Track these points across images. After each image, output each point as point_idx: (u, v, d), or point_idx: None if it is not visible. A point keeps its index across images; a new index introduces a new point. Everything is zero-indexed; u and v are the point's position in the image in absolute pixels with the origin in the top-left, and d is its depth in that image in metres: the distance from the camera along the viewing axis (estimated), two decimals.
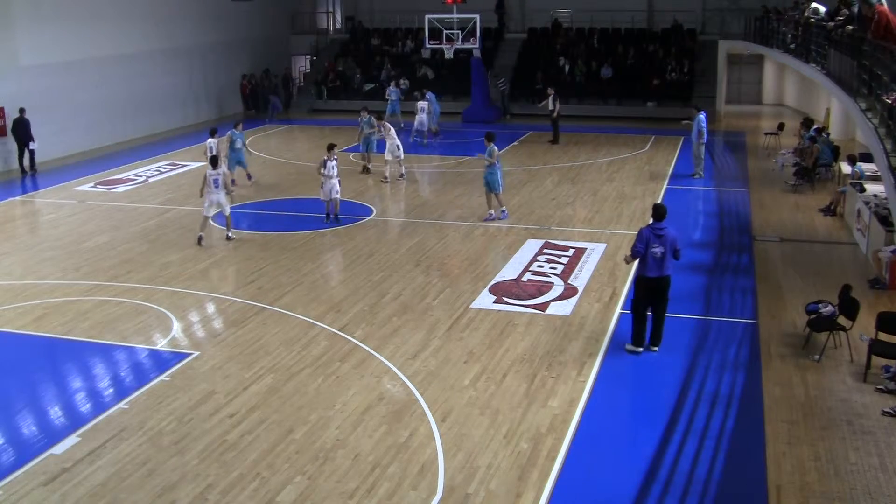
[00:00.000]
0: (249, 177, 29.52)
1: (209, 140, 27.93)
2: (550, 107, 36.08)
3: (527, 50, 46.93)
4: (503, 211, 24.23)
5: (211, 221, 23.26)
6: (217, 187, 22.41)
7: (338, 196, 24.19)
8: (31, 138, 31.66)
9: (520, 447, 12.36)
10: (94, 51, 36.33)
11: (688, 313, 17.46)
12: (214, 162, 22.84)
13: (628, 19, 46.76)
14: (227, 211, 22.77)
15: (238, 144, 28.45)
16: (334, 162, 24.07)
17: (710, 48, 43.87)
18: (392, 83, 40.98)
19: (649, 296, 15.33)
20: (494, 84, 44.26)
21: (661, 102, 42.59)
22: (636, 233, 15.33)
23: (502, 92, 43.80)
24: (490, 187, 23.91)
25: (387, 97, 39.81)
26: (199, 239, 22.45)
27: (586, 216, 24.57)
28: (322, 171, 23.96)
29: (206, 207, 22.55)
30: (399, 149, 29.61)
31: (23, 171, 31.96)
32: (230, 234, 22.85)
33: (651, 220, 15.39)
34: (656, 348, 15.59)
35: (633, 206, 25.57)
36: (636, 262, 15.63)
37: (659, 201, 15.72)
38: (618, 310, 17.55)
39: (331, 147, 24.46)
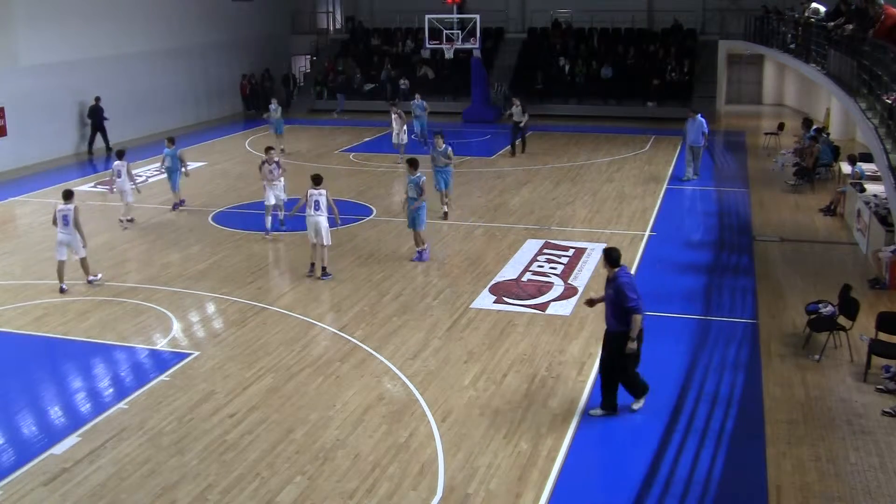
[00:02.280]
0: (175, 206, 26.36)
1: (116, 162, 24.44)
2: (517, 118, 33.70)
3: (527, 50, 46.91)
4: (424, 250, 21.09)
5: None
6: (67, 225, 18.93)
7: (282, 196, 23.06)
8: (103, 123, 36.13)
9: (520, 447, 12.36)
10: (94, 51, 36.33)
11: (688, 313, 17.48)
12: (68, 195, 19.36)
13: (628, 19, 46.75)
14: (83, 253, 19.28)
15: (167, 163, 26.13)
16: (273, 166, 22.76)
17: (710, 48, 43.87)
18: (417, 96, 36.35)
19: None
20: (495, 87, 44.25)
21: (661, 102, 42.59)
22: (622, 283, 12.81)
23: (503, 93, 43.72)
24: (414, 223, 20.85)
25: (414, 113, 35.55)
26: (61, 290, 19.05)
27: (586, 216, 24.57)
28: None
29: (57, 249, 19.16)
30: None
31: (90, 151, 35.90)
32: (91, 278, 19.51)
33: (611, 268, 13.03)
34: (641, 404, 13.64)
35: (634, 206, 25.57)
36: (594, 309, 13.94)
37: (611, 248, 13.25)
38: None
39: (268, 150, 23.29)
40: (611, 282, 12.91)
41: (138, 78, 38.95)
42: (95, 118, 36.28)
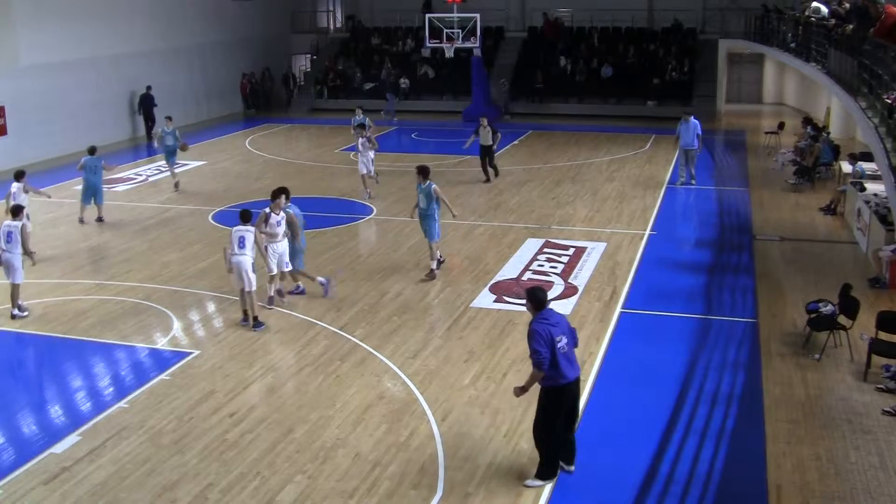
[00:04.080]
0: (177, 185, 27.63)
1: (14, 184, 21.27)
2: (485, 140, 28.87)
3: (527, 49, 46.91)
4: (433, 268, 19.75)
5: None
6: (10, 242, 17.43)
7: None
8: (153, 111, 38.75)
9: (520, 446, 12.35)
10: (94, 50, 36.31)
11: (688, 312, 17.48)
12: (16, 211, 17.92)
13: (629, 18, 46.74)
14: (20, 278, 17.59)
15: (168, 141, 26.67)
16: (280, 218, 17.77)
17: (710, 47, 43.88)
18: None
19: (570, 408, 11.43)
20: (497, 84, 44.22)
21: (661, 102, 42.58)
22: (530, 330, 11.13)
23: (504, 91, 43.72)
24: (427, 234, 19.66)
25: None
26: (14, 315, 17.59)
27: (586, 215, 24.57)
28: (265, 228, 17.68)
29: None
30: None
31: (149, 136, 37.57)
32: (15, 312, 17.55)
33: (534, 312, 11.25)
34: (572, 468, 11.75)
35: (634, 205, 25.57)
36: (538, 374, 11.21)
37: (536, 288, 11.55)
38: (618, 309, 17.55)
39: (278, 193, 17.88)
40: (557, 325, 11.12)
41: (138, 77, 38.90)
42: (146, 106, 38.99)
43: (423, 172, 19.54)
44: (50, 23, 33.89)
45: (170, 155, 28.39)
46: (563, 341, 11.00)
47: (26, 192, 21.26)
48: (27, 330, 17.09)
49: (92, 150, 24.85)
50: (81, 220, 24.36)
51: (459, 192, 26.80)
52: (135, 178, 30.75)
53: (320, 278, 18.47)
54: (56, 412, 14.05)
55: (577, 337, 11.53)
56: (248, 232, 16.82)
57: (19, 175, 21.41)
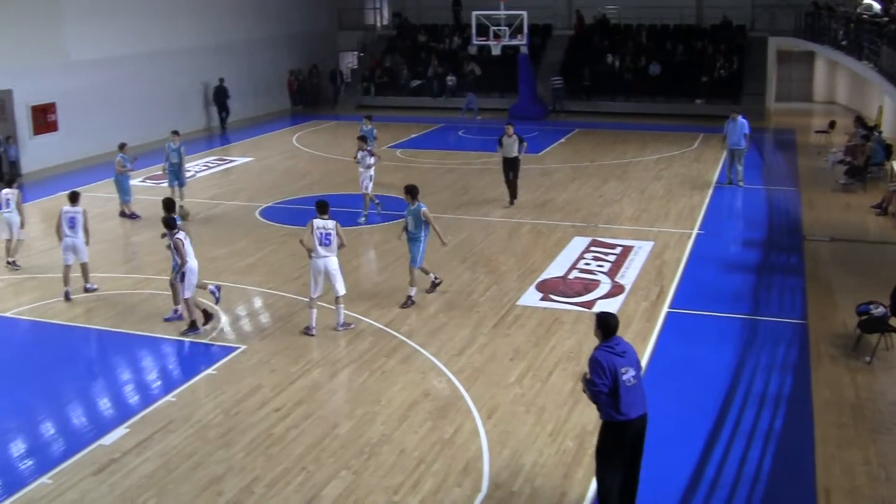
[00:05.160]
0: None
1: (5, 191, 21.03)
2: (509, 152, 25.55)
3: (574, 47, 46.71)
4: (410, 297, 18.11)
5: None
6: (73, 228, 18.64)
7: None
8: (227, 102, 40.71)
9: (565, 445, 12.31)
10: (142, 46, 36.67)
11: (735, 313, 17.31)
12: (74, 197, 19.05)
13: (677, 16, 46.43)
14: (86, 257, 18.95)
15: (173, 158, 25.54)
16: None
17: (759, 45, 43.44)
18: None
19: (631, 447, 10.36)
20: (547, 82, 44.02)
21: (709, 100, 42.17)
22: (591, 358, 10.14)
23: (558, 89, 43.45)
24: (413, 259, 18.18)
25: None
26: (66, 294, 18.61)
27: (633, 214, 24.42)
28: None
29: (63, 254, 18.81)
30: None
31: (223, 126, 40.62)
32: (88, 286, 18.95)
33: (601, 339, 10.25)
34: None
35: (681, 204, 25.37)
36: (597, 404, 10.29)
37: (607, 314, 10.50)
38: (665, 309, 17.42)
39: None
40: (623, 354, 10.16)
41: (186, 73, 39.28)
42: (220, 98, 40.76)
43: (412, 192, 18.10)
44: (98, 20, 34.34)
45: (175, 175, 25.85)
46: (629, 373, 10.01)
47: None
48: (78, 323, 17.31)
49: (122, 146, 25.34)
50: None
51: (506, 191, 26.65)
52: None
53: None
54: (105, 404, 14.21)
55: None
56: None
57: (11, 181, 22.42)
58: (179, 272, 16.37)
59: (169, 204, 17.63)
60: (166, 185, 25.72)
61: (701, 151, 33.48)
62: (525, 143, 25.81)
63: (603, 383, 9.89)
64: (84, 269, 18.97)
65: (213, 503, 11.15)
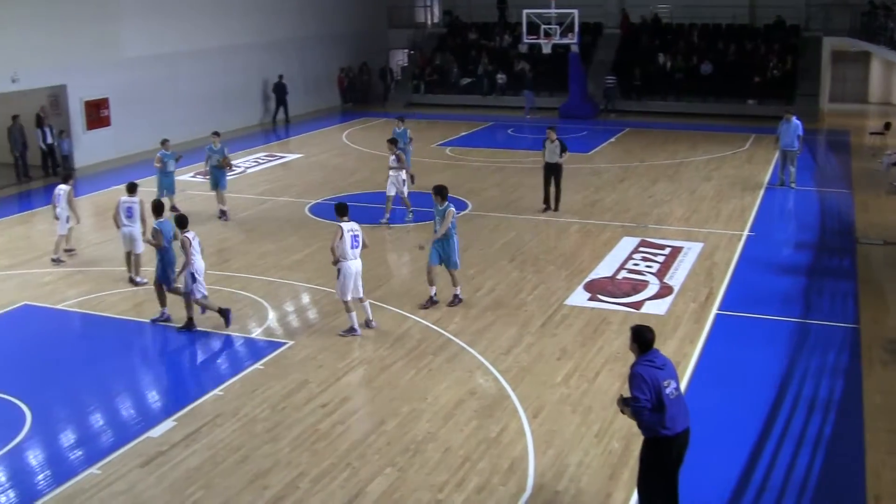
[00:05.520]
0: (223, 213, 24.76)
1: (60, 186, 21.23)
2: (551, 157, 24.44)
3: (625, 46, 46.46)
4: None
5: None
6: (131, 217, 19.18)
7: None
8: (286, 98, 41.79)
9: (611, 446, 12.24)
10: (195, 43, 37.02)
11: (786, 316, 17.12)
12: (132, 188, 19.65)
13: (729, 15, 45.99)
14: (140, 248, 19.29)
15: (214, 161, 24.76)
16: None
17: (813, 45, 42.91)
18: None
19: (676, 462, 10.08)
20: (598, 81, 43.77)
21: (762, 100, 41.73)
22: (631, 373, 9.83)
23: (611, 88, 43.16)
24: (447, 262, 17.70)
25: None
26: (131, 279, 19.31)
27: (683, 214, 24.23)
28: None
29: (123, 242, 19.45)
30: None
31: (274, 122, 41.67)
32: (138, 279, 19.24)
33: (638, 353, 9.99)
34: None
35: (732, 205, 25.12)
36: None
37: (643, 327, 10.10)
38: (714, 311, 17.27)
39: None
40: (663, 368, 9.88)
41: (236, 70, 39.56)
42: (279, 93, 41.69)
43: (441, 193, 17.53)
44: (153, 16, 34.67)
45: (219, 178, 24.86)
46: (671, 386, 9.73)
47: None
48: (128, 316, 17.49)
49: (163, 142, 25.27)
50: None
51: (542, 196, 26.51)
52: (233, 170, 31.15)
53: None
54: (153, 397, 14.38)
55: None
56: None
57: (67, 177, 22.42)
58: (183, 271, 16.36)
59: (158, 206, 17.71)
60: (209, 187, 25.36)
61: (753, 152, 33.15)
62: (567, 152, 24.49)
63: (646, 399, 9.55)
64: (136, 261, 19.27)
65: (259, 497, 11.23)
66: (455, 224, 17.58)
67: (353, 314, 16.27)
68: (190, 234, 16.40)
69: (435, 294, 17.69)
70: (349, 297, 16.13)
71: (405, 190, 23.77)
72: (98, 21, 32.65)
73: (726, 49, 44.59)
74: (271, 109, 42.10)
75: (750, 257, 20.59)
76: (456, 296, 17.76)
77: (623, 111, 42.84)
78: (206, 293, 16.56)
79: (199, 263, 16.40)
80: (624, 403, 9.83)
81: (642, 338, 9.92)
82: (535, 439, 12.48)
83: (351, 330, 16.29)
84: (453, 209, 17.49)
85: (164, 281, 16.87)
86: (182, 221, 16.66)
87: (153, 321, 17.06)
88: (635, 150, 33.86)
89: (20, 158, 30.33)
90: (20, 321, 16.42)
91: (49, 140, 30.91)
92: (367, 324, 16.52)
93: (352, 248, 15.86)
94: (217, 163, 24.61)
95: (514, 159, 31.97)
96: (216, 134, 25.59)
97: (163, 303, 17.05)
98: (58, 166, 31.22)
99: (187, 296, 16.46)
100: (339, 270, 16.00)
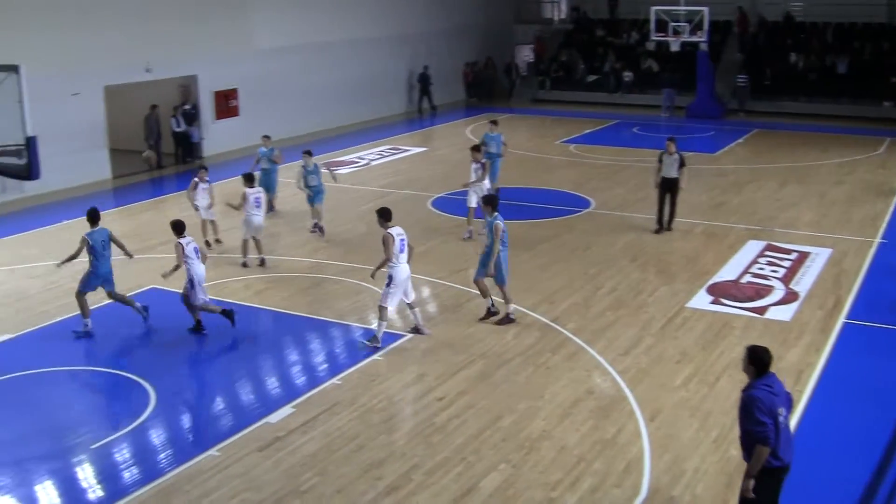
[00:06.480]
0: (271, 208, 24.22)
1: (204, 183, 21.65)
2: (668, 172, 22.07)
3: (756, 45, 45.45)
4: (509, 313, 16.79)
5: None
6: (259, 207, 20.13)
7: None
8: (430, 88, 43.45)
9: (729, 453, 11.97)
10: (324, 35, 37.54)
11: None
12: (251, 178, 20.62)
13: (866, 14, 44.57)
14: (261, 234, 20.27)
15: (265, 164, 24.42)
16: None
17: None
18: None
19: (776, 495, 9.56)
20: (730, 80, 42.92)
21: None
22: (750, 396, 9.13)
23: (743, 88, 42.27)
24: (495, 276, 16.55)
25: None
26: (262, 261, 20.09)
27: (812, 219, 23.60)
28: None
29: (251, 229, 20.08)
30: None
31: (420, 111, 43.31)
32: (263, 256, 20.12)
33: (754, 376, 9.28)
34: None
35: (864, 210, 24.34)
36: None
37: (760, 345, 9.44)
38: (841, 319, 16.76)
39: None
40: (778, 395, 9.24)
41: (361, 63, 39.94)
42: (423, 83, 43.25)
43: (491, 203, 16.53)
44: (284, 8, 35.29)
45: (271, 183, 24.36)
46: (783, 414, 9.17)
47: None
48: (251, 303, 17.84)
49: (264, 139, 24.91)
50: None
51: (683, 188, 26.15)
52: (357, 162, 31.57)
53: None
54: (273, 384, 14.63)
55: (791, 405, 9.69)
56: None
57: (204, 166, 22.72)
58: (173, 272, 16.18)
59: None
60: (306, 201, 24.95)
61: (888, 157, 32.07)
62: (687, 166, 22.25)
63: (768, 423, 8.96)
64: (258, 245, 20.03)
65: (373, 487, 11.33)
66: (505, 239, 16.39)
67: (416, 311, 16.08)
68: (184, 241, 16.17)
69: (492, 305, 16.70)
70: (395, 305, 15.87)
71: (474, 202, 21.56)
72: (232, 15, 33.43)
73: (861, 49, 43.26)
74: (396, 102, 42.54)
75: (881, 265, 19.94)
76: (508, 315, 16.57)
77: (751, 111, 41.92)
78: (206, 299, 16.35)
79: (197, 269, 16.15)
80: (749, 472, 9.17)
81: (759, 360, 9.26)
82: (651, 442, 12.31)
83: (417, 329, 16.16)
84: (500, 223, 16.22)
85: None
86: (178, 227, 16.39)
87: (75, 331, 16.49)
88: (763, 152, 33.10)
89: (155, 147, 31.26)
90: (147, 304, 16.87)
91: (182, 127, 31.84)
92: (417, 330, 16.18)
93: (401, 252, 15.59)
94: (267, 164, 24.28)
95: (640, 158, 31.53)
96: (266, 137, 24.92)
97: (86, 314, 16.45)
98: (189, 155, 32.12)
99: (186, 298, 16.28)
100: (390, 277, 15.52)
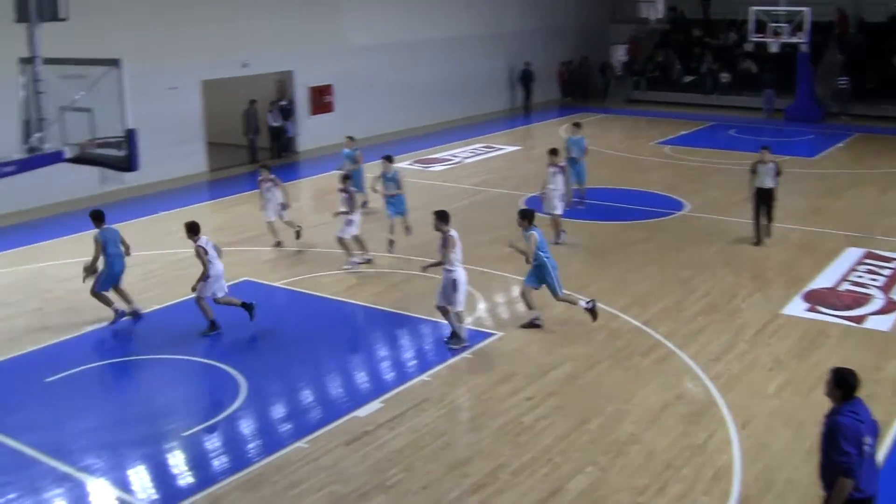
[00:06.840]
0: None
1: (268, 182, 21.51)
2: (764, 182, 21.07)
3: (859, 46, 44.37)
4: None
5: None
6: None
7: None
8: (531, 85, 44.01)
9: None
10: (417, 33, 37.83)
11: None
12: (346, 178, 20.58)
13: None
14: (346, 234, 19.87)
15: (347, 166, 23.82)
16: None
17: None
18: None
19: None
20: (831, 83, 41.98)
21: None
22: (836, 423, 8.57)
23: (844, 90, 41.33)
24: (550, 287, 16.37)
25: None
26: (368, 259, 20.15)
27: None
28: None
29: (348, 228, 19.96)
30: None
31: (525, 108, 43.79)
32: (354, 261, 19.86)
33: (839, 400, 8.72)
34: None
35: None
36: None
37: (846, 367, 8.92)
38: None
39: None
40: (864, 422, 8.58)
41: (455, 61, 40.09)
42: (526, 80, 43.69)
43: (527, 217, 16.27)
44: (377, 7, 35.63)
45: (358, 182, 23.55)
46: (869, 443, 8.50)
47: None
48: (342, 297, 18.02)
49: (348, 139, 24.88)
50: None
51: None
52: (450, 160, 31.65)
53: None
54: (362, 378, 14.73)
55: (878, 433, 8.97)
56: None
57: (267, 165, 22.32)
58: (201, 280, 16.07)
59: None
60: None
61: None
62: (782, 174, 21.41)
63: (857, 453, 8.34)
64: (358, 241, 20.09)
65: (459, 484, 11.34)
66: (546, 248, 16.28)
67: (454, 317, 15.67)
68: (202, 241, 16.10)
69: (536, 318, 16.36)
70: (464, 307, 15.66)
71: (560, 206, 21.52)
72: (326, 12, 33.84)
73: None
74: (490, 101, 42.55)
75: None
76: (535, 318, 16.32)
77: (853, 115, 40.96)
78: (209, 295, 16.23)
79: (217, 266, 16.17)
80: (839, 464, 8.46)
81: (846, 383, 8.64)
82: (742, 450, 12.11)
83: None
84: (535, 235, 16.01)
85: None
86: (193, 228, 16.17)
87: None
88: (865, 157, 32.31)
89: (252, 141, 31.79)
90: (240, 295, 17.10)
91: (278, 122, 32.35)
92: (454, 336, 15.71)
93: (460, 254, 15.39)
94: (351, 165, 23.95)
95: (736, 161, 31.00)
96: (350, 138, 24.83)
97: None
98: (284, 150, 32.58)
99: (199, 300, 16.20)
100: (454, 282, 15.24)
